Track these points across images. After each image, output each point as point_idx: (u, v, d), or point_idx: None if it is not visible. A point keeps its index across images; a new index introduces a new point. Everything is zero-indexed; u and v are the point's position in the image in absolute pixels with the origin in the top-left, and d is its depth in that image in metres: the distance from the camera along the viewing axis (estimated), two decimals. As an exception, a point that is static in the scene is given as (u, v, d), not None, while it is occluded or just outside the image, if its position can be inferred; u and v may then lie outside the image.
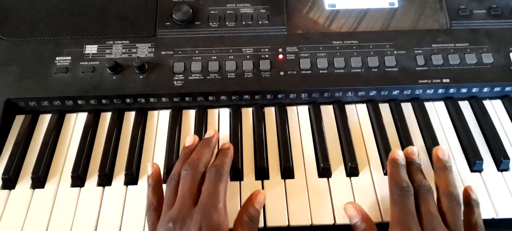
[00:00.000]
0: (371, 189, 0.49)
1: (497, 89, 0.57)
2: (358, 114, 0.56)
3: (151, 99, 0.55)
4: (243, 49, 0.57)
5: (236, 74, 0.56)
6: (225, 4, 0.61)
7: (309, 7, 0.61)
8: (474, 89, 0.57)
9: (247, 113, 0.57)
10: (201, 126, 0.54)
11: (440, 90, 0.57)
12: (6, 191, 0.49)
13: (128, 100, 0.55)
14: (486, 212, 0.47)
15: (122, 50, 0.57)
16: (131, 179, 0.50)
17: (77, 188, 0.49)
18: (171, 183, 0.44)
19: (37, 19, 0.59)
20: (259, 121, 0.55)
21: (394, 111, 0.56)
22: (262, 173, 0.50)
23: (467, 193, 0.45)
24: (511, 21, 0.60)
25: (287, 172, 0.50)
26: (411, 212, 0.41)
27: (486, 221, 0.44)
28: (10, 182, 0.49)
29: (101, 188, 0.49)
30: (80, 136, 0.53)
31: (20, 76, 0.55)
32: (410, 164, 0.47)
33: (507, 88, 0.57)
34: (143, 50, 0.57)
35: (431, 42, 0.58)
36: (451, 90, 0.57)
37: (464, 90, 0.57)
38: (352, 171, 0.50)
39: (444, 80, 0.55)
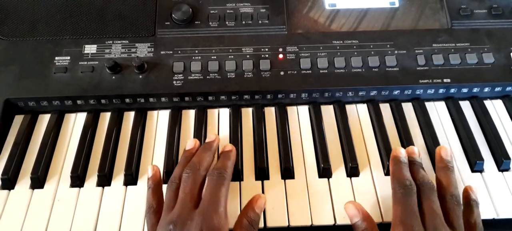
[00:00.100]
0: (371, 189, 0.49)
1: (498, 89, 0.57)
2: (358, 114, 0.56)
3: (151, 99, 0.55)
4: (243, 49, 0.57)
5: (236, 74, 0.56)
6: (225, 4, 0.60)
7: (309, 6, 0.61)
8: (475, 89, 0.57)
9: (247, 113, 0.56)
10: (200, 126, 0.54)
11: (441, 90, 0.56)
12: (6, 191, 0.49)
13: (127, 100, 0.55)
14: (487, 212, 0.47)
15: (122, 50, 0.57)
16: (131, 179, 0.50)
17: (77, 188, 0.49)
18: (172, 185, 0.44)
19: (37, 19, 0.59)
20: (259, 121, 0.54)
21: (395, 111, 0.56)
22: (262, 173, 0.50)
23: (467, 193, 0.45)
24: (512, 21, 0.60)
25: (287, 172, 0.50)
26: (414, 211, 0.41)
27: (486, 221, 0.44)
28: (10, 182, 0.49)
29: (100, 188, 0.49)
30: (80, 136, 0.53)
31: (20, 76, 0.55)
32: (412, 163, 0.47)
33: (508, 88, 0.57)
34: (143, 50, 0.57)
35: (431, 42, 0.58)
36: (452, 90, 0.56)
37: (465, 90, 0.57)
38: (352, 171, 0.50)
39: (445, 80, 0.55)
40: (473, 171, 0.51)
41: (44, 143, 0.52)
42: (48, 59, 0.56)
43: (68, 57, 0.56)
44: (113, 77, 0.55)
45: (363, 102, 0.57)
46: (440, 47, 0.58)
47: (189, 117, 0.56)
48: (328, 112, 0.56)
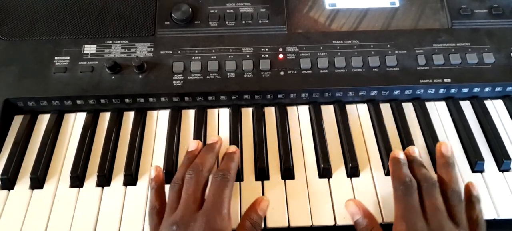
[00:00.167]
0: (372, 189, 0.49)
1: (498, 89, 0.57)
2: (359, 114, 0.56)
3: (150, 99, 0.55)
4: (243, 49, 0.57)
5: (236, 74, 0.55)
6: (225, 4, 0.60)
7: (309, 6, 0.61)
8: (475, 89, 0.57)
9: (247, 114, 0.56)
10: (200, 126, 0.54)
11: (441, 90, 0.56)
12: (5, 191, 0.49)
13: (127, 100, 0.55)
14: (487, 212, 0.47)
15: (121, 49, 0.57)
16: (130, 179, 0.49)
17: (76, 189, 0.49)
18: (175, 187, 0.44)
19: (36, 19, 0.59)
20: (259, 121, 0.54)
21: (395, 111, 0.56)
22: (262, 174, 0.50)
23: (468, 189, 0.45)
24: (513, 21, 0.60)
25: (287, 173, 0.50)
26: (415, 208, 0.41)
27: (487, 222, 0.44)
28: (9, 182, 0.49)
29: (100, 188, 0.49)
30: (79, 136, 0.53)
31: (19, 76, 0.54)
32: (412, 161, 0.47)
33: (509, 88, 0.57)
34: (142, 50, 0.57)
35: (432, 41, 0.58)
36: (452, 90, 0.56)
37: (465, 90, 0.56)
38: (352, 171, 0.50)
39: (445, 80, 0.55)
40: (473, 171, 0.51)
41: (44, 143, 0.52)
42: (47, 59, 0.56)
43: (68, 57, 0.56)
44: (113, 77, 0.55)
45: (363, 102, 0.57)
46: (440, 47, 0.58)
47: (189, 117, 0.56)
48: (328, 112, 0.56)
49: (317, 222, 0.46)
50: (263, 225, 0.46)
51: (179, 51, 0.57)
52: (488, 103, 0.57)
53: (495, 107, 0.57)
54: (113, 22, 0.59)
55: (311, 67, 0.56)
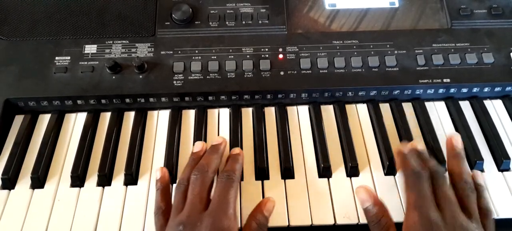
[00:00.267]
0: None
1: (497, 89, 0.57)
2: (358, 114, 0.56)
3: (151, 99, 0.55)
4: (243, 49, 0.57)
5: (236, 74, 0.56)
6: (225, 4, 0.60)
7: (309, 6, 0.61)
8: (475, 89, 0.57)
9: (247, 113, 0.56)
10: (200, 126, 0.54)
11: (441, 90, 0.56)
12: (6, 191, 0.49)
13: (127, 100, 0.55)
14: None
15: (122, 50, 0.57)
16: (131, 179, 0.50)
17: (77, 188, 0.49)
18: (180, 187, 0.44)
19: (37, 19, 0.59)
20: (259, 121, 0.54)
21: (395, 111, 0.56)
22: (262, 173, 0.50)
23: (473, 179, 0.46)
24: (512, 21, 0.60)
25: (287, 172, 0.50)
26: (428, 196, 0.41)
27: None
28: (10, 182, 0.49)
29: (100, 188, 0.49)
30: (80, 136, 0.53)
31: (20, 76, 0.55)
32: (418, 154, 0.47)
33: (508, 88, 0.57)
34: (143, 50, 0.57)
35: (431, 42, 0.58)
36: (452, 90, 0.57)
37: (464, 90, 0.57)
38: (352, 171, 0.50)
39: (444, 80, 0.55)
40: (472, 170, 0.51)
41: (44, 142, 0.52)
42: (48, 59, 0.56)
43: (68, 57, 0.56)
44: (113, 77, 0.55)
45: (363, 102, 0.57)
46: (440, 47, 0.58)
47: (189, 116, 0.56)
48: (328, 112, 0.56)
49: (317, 222, 0.46)
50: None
51: (179, 51, 0.57)
52: (488, 103, 0.57)
53: (495, 107, 0.57)
54: (113, 22, 0.59)
55: (311, 67, 0.56)
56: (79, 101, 0.55)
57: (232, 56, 0.57)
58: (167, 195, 0.46)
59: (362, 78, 0.55)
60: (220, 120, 0.56)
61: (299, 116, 0.56)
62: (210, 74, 0.55)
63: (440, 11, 0.61)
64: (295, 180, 0.50)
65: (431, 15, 0.61)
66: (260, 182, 0.49)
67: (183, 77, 0.55)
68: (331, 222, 0.47)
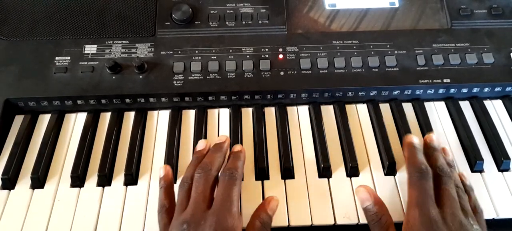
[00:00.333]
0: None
1: (497, 89, 0.57)
2: (358, 114, 0.56)
3: (151, 99, 0.55)
4: (243, 49, 0.57)
5: (236, 74, 0.56)
6: (225, 4, 0.60)
7: (309, 6, 0.61)
8: (475, 89, 0.57)
9: (247, 114, 0.56)
10: (200, 126, 0.54)
11: (441, 90, 0.56)
12: (6, 191, 0.49)
13: (127, 100, 0.55)
14: (487, 212, 0.47)
15: (122, 50, 0.57)
16: (131, 179, 0.50)
17: (77, 188, 0.49)
18: (184, 186, 0.44)
19: (37, 19, 0.59)
20: (259, 121, 0.54)
21: (395, 112, 0.56)
22: (262, 173, 0.50)
23: (461, 180, 0.46)
24: (512, 21, 0.60)
25: (287, 172, 0.50)
26: (430, 195, 0.41)
27: (486, 222, 0.44)
28: (10, 182, 0.49)
29: (100, 188, 0.49)
30: (80, 136, 0.53)
31: (20, 76, 0.55)
32: (429, 149, 0.48)
33: (508, 88, 0.57)
34: (143, 50, 0.57)
35: (431, 42, 0.58)
36: (452, 90, 0.57)
37: (464, 90, 0.57)
38: (352, 171, 0.50)
39: (444, 80, 0.55)
40: (473, 171, 0.51)
41: (44, 143, 0.52)
42: (48, 59, 0.56)
43: (68, 57, 0.56)
44: (113, 77, 0.55)
45: (363, 102, 0.57)
46: (440, 47, 0.58)
47: (189, 117, 0.56)
48: (328, 112, 0.56)
49: (317, 222, 0.46)
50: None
51: (179, 52, 0.57)
52: (488, 103, 0.57)
53: (495, 108, 0.57)
54: (113, 22, 0.59)
55: (311, 68, 0.56)
56: (79, 102, 0.55)
57: (232, 56, 0.57)
58: (171, 193, 0.46)
59: (362, 78, 0.55)
60: (220, 120, 0.56)
61: (299, 116, 0.56)
62: (210, 75, 0.55)
63: (440, 11, 0.61)
64: (295, 180, 0.50)
65: (431, 15, 0.61)
66: (260, 182, 0.49)
67: (183, 78, 0.55)
68: (331, 222, 0.47)
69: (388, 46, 0.58)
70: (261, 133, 0.53)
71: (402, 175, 0.50)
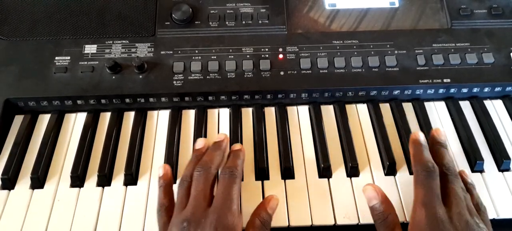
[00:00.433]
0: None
1: (498, 89, 0.57)
2: (358, 114, 0.56)
3: (151, 99, 0.55)
4: (243, 49, 0.57)
5: (236, 74, 0.55)
6: (225, 4, 0.60)
7: (309, 6, 0.61)
8: (475, 89, 0.57)
9: (247, 113, 0.56)
10: (200, 126, 0.54)
11: (441, 90, 0.56)
12: (6, 191, 0.49)
13: (127, 100, 0.55)
14: (487, 212, 0.47)
15: (122, 50, 0.57)
16: (131, 179, 0.49)
17: (77, 188, 0.49)
18: (183, 184, 0.44)
19: (37, 19, 0.59)
20: (259, 121, 0.54)
21: (395, 111, 0.56)
22: (262, 173, 0.50)
23: (462, 179, 0.46)
24: (512, 21, 0.60)
25: (287, 172, 0.50)
26: (437, 194, 0.41)
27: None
28: (10, 182, 0.49)
29: (100, 188, 0.49)
30: (80, 136, 0.53)
31: (20, 76, 0.55)
32: (436, 143, 0.47)
33: (508, 88, 0.57)
34: (143, 50, 0.57)
35: (431, 42, 0.58)
36: (452, 90, 0.56)
37: (465, 90, 0.57)
38: (352, 171, 0.50)
39: (445, 80, 0.55)
40: (473, 171, 0.51)
41: (44, 143, 0.52)
42: (48, 59, 0.56)
43: (68, 57, 0.56)
44: (113, 77, 0.55)
45: (363, 102, 0.57)
46: (440, 47, 0.58)
47: (189, 116, 0.56)
48: (328, 112, 0.56)
49: (317, 222, 0.46)
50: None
51: (179, 51, 0.57)
52: (488, 103, 0.57)
53: (495, 107, 0.57)
54: (113, 22, 0.59)
55: (311, 67, 0.56)
56: (79, 101, 0.55)
57: (232, 56, 0.57)
58: (170, 192, 0.46)
59: (362, 78, 0.55)
60: (220, 120, 0.56)
61: (299, 116, 0.56)
62: (210, 74, 0.55)
63: (440, 11, 0.61)
64: (295, 180, 0.50)
65: (431, 15, 0.61)
66: (260, 182, 0.49)
67: (183, 77, 0.55)
68: (331, 222, 0.46)
69: (388, 46, 0.58)
70: (261, 132, 0.53)
71: (402, 175, 0.50)
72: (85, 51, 0.57)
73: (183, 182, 0.45)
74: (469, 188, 0.45)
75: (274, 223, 0.46)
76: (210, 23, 0.59)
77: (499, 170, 0.51)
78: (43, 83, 0.54)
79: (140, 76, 0.55)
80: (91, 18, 0.59)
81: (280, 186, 0.49)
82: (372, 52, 0.57)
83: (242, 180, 0.49)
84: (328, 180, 0.50)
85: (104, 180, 0.49)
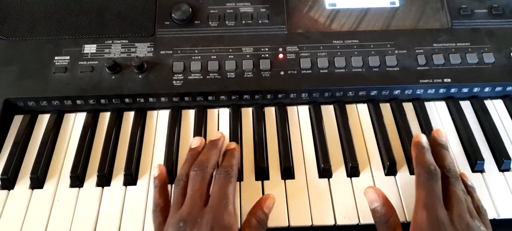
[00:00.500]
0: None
1: (498, 89, 0.57)
2: (359, 114, 0.56)
3: (150, 99, 0.55)
4: (243, 49, 0.57)
5: (236, 73, 0.55)
6: (225, 4, 0.60)
7: (309, 6, 0.61)
8: (475, 89, 0.57)
9: (247, 113, 0.56)
10: (200, 126, 0.54)
11: (441, 90, 0.56)
12: (5, 191, 0.49)
13: (127, 100, 0.55)
14: (488, 212, 0.46)
15: (121, 49, 0.57)
16: (130, 179, 0.49)
17: (76, 188, 0.49)
18: (179, 184, 0.44)
19: (36, 19, 0.59)
20: (259, 121, 0.54)
21: (395, 111, 0.56)
22: (262, 173, 0.50)
23: (463, 181, 0.46)
24: (513, 21, 0.60)
25: (288, 172, 0.50)
26: (438, 196, 0.41)
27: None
28: (9, 182, 0.49)
29: (100, 188, 0.49)
30: (79, 136, 0.53)
31: (19, 76, 0.54)
32: (437, 145, 0.47)
33: (509, 88, 0.57)
34: (142, 50, 0.57)
35: (432, 41, 0.58)
36: (452, 90, 0.56)
37: (465, 90, 0.56)
38: (352, 171, 0.50)
39: (445, 80, 0.55)
40: (473, 171, 0.51)
41: (44, 142, 0.52)
42: (47, 59, 0.56)
43: (68, 57, 0.56)
44: (113, 77, 0.55)
45: (363, 102, 0.57)
46: (440, 47, 0.58)
47: (189, 116, 0.56)
48: (328, 112, 0.56)
49: (317, 222, 0.46)
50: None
51: (179, 51, 0.57)
52: (488, 103, 0.57)
53: (495, 107, 0.57)
54: (113, 22, 0.59)
55: (311, 67, 0.56)
56: (78, 101, 0.55)
57: (232, 56, 0.56)
58: (165, 192, 0.46)
59: (362, 78, 0.55)
60: (220, 119, 0.56)
61: (299, 116, 0.56)
62: (210, 74, 0.55)
63: (441, 11, 0.61)
64: (295, 180, 0.50)
65: (432, 15, 0.61)
66: (260, 182, 0.49)
67: (182, 77, 0.55)
68: (332, 222, 0.46)
69: (388, 45, 0.58)
70: (261, 132, 0.53)
71: (402, 175, 0.50)
72: (85, 51, 0.57)
73: (179, 181, 0.44)
74: (469, 190, 0.45)
75: (274, 223, 0.46)
76: (210, 23, 0.59)
77: (500, 170, 0.51)
78: (43, 83, 0.54)
79: (140, 76, 0.55)
80: (90, 18, 0.59)
81: (280, 186, 0.49)
82: (373, 52, 0.57)
83: (242, 179, 0.49)
84: (328, 180, 0.50)
85: (104, 180, 0.49)
